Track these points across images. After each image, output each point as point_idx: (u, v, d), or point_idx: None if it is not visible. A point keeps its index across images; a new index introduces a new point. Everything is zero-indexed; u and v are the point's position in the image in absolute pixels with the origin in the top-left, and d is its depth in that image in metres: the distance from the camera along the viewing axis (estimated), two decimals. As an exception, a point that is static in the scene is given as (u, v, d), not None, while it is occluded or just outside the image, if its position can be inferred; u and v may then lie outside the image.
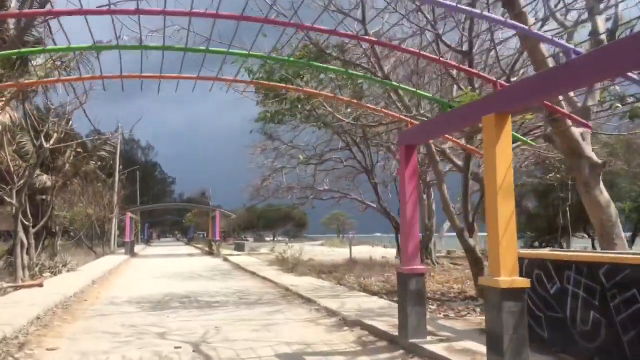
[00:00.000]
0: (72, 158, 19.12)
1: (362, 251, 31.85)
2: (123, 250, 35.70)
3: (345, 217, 65.16)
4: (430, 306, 9.69)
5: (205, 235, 75.92)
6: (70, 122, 17.72)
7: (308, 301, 10.97)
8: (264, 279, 16.59)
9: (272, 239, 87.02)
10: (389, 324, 7.74)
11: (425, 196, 20.71)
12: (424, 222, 21.27)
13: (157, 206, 48.07)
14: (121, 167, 49.48)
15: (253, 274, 18.69)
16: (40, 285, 13.64)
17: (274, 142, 21.05)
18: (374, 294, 11.78)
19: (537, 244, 29.77)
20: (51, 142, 15.93)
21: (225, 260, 27.83)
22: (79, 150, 19.83)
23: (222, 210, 34.59)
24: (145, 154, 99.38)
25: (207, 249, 38.57)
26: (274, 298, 12.17)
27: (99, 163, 19.75)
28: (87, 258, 29.80)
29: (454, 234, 13.15)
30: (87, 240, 37.11)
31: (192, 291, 13.92)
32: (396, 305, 7.68)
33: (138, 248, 44.13)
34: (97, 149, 18.90)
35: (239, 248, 32.62)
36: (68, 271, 18.55)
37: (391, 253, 37.50)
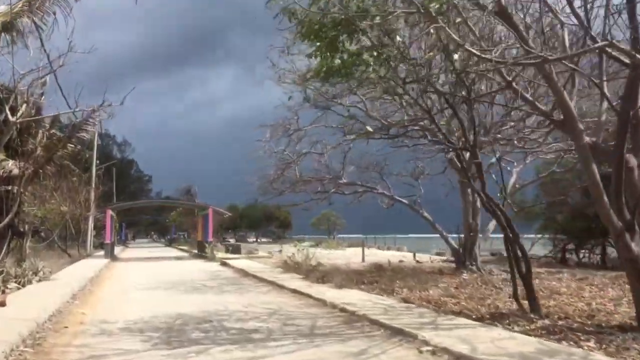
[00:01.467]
0: (45, 140, 15.40)
1: (365, 253, 28.42)
2: (101, 253, 31.72)
3: (335, 217, 61.83)
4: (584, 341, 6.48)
5: (187, 236, 71.98)
6: (43, 94, 14.07)
7: (398, 333, 7.56)
8: (295, 292, 13.14)
9: (254, 239, 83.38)
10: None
11: (469, 190, 17.47)
12: (467, 221, 18.06)
13: (141, 203, 43.93)
14: (98, 162, 45.55)
15: (272, 283, 15.22)
16: (2, 304, 9.99)
17: (324, 114, 17.35)
18: (477, 318, 8.44)
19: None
20: (18, 114, 12.23)
21: (224, 264, 24.22)
22: (53, 131, 16.10)
23: (215, 208, 30.93)
24: (121, 150, 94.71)
25: (197, 251, 34.83)
26: (336, 325, 8.71)
27: (78, 147, 15.93)
28: (60, 262, 26.07)
29: (501, 235, 10.03)
30: (60, 242, 33.13)
31: (208, 310, 10.41)
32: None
33: (116, 250, 40.13)
34: (78, 128, 15.19)
35: (235, 250, 29.02)
36: (39, 280, 14.83)
37: (397, 256, 34.39)
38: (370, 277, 15.89)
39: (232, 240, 66.48)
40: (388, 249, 51.22)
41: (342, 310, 9.82)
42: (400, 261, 25.99)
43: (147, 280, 17.43)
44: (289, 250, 42.14)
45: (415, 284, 13.86)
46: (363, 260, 26.99)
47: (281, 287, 14.45)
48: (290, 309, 10.67)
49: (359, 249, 44.80)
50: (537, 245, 24.75)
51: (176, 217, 53.97)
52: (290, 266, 20.54)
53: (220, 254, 28.19)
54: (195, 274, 19.99)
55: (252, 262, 25.34)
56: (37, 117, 13.77)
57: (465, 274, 16.93)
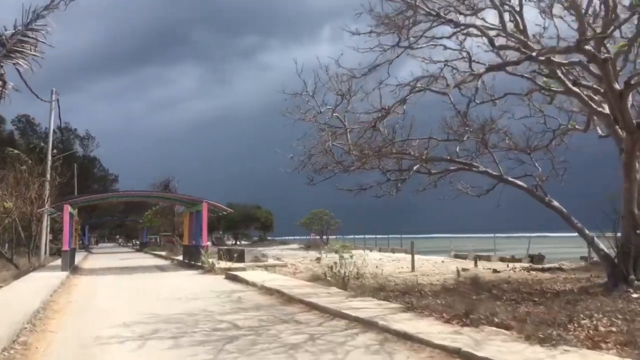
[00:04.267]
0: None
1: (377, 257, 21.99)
2: (58, 262, 24.13)
3: (329, 216, 55.06)
4: None
5: (159, 240, 63.99)
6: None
7: None
8: (429, 345, 6.47)
9: (233, 242, 76.27)
10: None
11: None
12: (632, 213, 11.68)
13: (112, 195, 35.55)
14: (55, 151, 37.89)
15: (362, 323, 8.42)
16: None
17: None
18: None
19: None
20: None
21: (234, 279, 17.22)
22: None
23: (212, 203, 23.77)
24: (84, 145, 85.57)
25: (182, 259, 27.61)
26: None
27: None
28: (3, 274, 19.03)
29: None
30: (4, 248, 25.65)
31: None
32: None
33: (77, 258, 32.52)
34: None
35: (239, 257, 21.98)
36: None
37: (433, 261, 28.01)
38: (493, 302, 9.48)
39: (208, 243, 59.01)
40: (392, 251, 44.94)
41: None
42: (465, 269, 19.62)
43: (131, 314, 10.45)
44: (301, 255, 35.55)
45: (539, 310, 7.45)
46: (413, 269, 20.46)
47: (384, 329, 7.76)
48: None
49: (372, 254, 38.43)
50: None
51: (151, 218, 46.25)
52: (334, 281, 14.00)
53: (221, 263, 21.12)
54: (202, 298, 13.03)
55: (269, 274, 18.46)
56: None
57: (636, 294, 10.80)
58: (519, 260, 30.38)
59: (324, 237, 56.32)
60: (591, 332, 7.34)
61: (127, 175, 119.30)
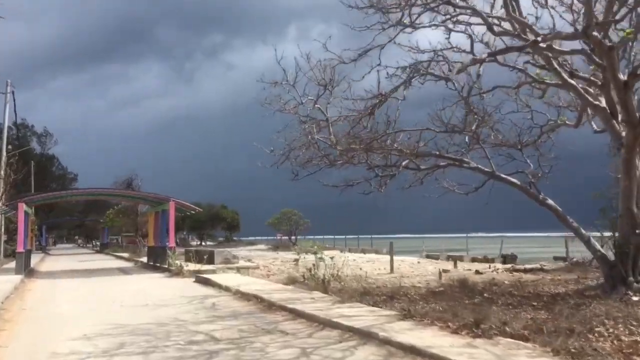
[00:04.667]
0: None
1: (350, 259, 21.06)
2: (12, 265, 22.50)
3: (298, 216, 54.11)
4: None
5: (121, 241, 61.78)
6: None
7: None
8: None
9: (198, 242, 74.48)
10: None
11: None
12: (631, 212, 11.09)
13: (72, 194, 33.42)
14: (10, 147, 35.96)
15: (357, 333, 7.50)
16: None
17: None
18: None
19: None
20: None
21: (205, 282, 16.07)
22: None
23: (180, 202, 22.46)
24: (41, 143, 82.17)
25: (147, 260, 26.21)
26: None
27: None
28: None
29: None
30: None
31: None
32: None
33: (34, 259, 30.69)
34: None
35: (210, 259, 20.76)
36: None
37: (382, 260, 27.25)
38: (489, 307, 8.73)
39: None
40: (363, 252, 44.22)
41: None
42: (445, 271, 18.94)
43: (93, 324, 9.28)
44: (273, 257, 34.43)
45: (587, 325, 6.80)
46: (392, 270, 19.69)
47: (385, 341, 6.86)
48: None
49: (331, 253, 37.52)
50: None
51: (113, 218, 44.30)
52: (313, 284, 13.14)
53: (189, 265, 19.91)
54: (172, 305, 11.91)
55: (242, 276, 17.38)
56: None
57: (636, 297, 10.23)
58: (492, 260, 30.05)
59: (293, 237, 55.37)
60: (615, 342, 6.62)
61: (87, 175, 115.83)
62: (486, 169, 12.30)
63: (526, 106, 14.50)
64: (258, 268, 20.88)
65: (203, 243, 72.53)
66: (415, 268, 21.33)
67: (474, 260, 33.06)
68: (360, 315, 8.77)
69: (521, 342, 6.51)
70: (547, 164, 14.34)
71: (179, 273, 19.00)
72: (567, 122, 14.11)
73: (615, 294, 10.68)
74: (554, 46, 9.92)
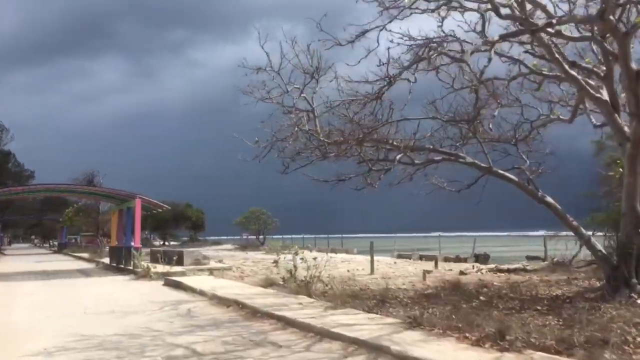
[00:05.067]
0: None
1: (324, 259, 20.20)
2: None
3: (267, 215, 52.97)
4: None
5: (80, 241, 59.33)
6: None
7: None
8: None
9: (161, 242, 72.46)
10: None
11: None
12: (635, 210, 10.52)
13: (28, 190, 31.11)
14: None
15: (365, 345, 6.58)
16: None
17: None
18: None
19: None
20: None
21: (176, 286, 14.91)
22: None
23: (146, 199, 21.06)
24: (-5, 139, 78.26)
25: (109, 262, 24.71)
26: None
27: None
28: None
29: None
30: None
31: None
32: None
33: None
34: None
35: (179, 261, 19.49)
36: None
37: (356, 259, 26.44)
38: (490, 311, 8.00)
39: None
40: (333, 251, 43.39)
41: None
42: (428, 271, 18.22)
43: (54, 336, 8.11)
44: (247, 257, 33.16)
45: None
46: (372, 271, 18.87)
47: (400, 357, 5.97)
48: None
49: (315, 255, 36.57)
50: None
51: (72, 216, 42.22)
52: (295, 287, 12.23)
53: (157, 267, 18.63)
54: (142, 311, 10.76)
55: (215, 279, 16.27)
56: None
57: (641, 301, 9.67)
58: (465, 260, 29.69)
59: (261, 236, 54.16)
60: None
61: (44, 172, 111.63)
62: (483, 165, 11.55)
63: (516, 99, 13.88)
64: (230, 269, 19.77)
65: (166, 243, 70.59)
66: (395, 268, 20.58)
67: (446, 259, 32.69)
68: (360, 323, 7.87)
69: (555, 357, 5.72)
70: (536, 160, 13.74)
71: (145, 275, 17.72)
72: (560, 117, 13.54)
73: (619, 296, 10.08)
74: (564, 32, 9.22)
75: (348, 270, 19.20)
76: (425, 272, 17.18)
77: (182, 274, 17.62)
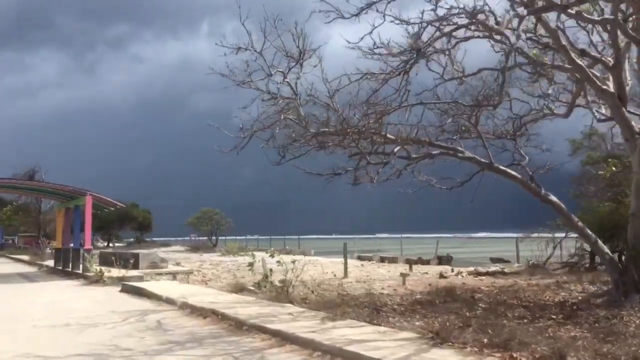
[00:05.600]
0: None
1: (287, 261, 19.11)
2: None
3: (220, 215, 51.15)
4: None
5: (17, 242, 55.67)
6: None
7: None
8: None
9: (105, 243, 69.12)
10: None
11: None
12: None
13: None
14: None
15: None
16: None
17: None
18: None
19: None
20: None
21: (137, 293, 13.34)
22: None
23: (98, 196, 19.17)
24: None
25: (54, 265, 22.62)
26: None
27: None
28: None
29: None
30: None
31: None
32: None
33: None
34: None
35: (135, 264, 17.75)
36: None
37: (321, 262, 25.40)
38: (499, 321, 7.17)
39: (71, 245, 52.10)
40: (289, 253, 42.09)
41: None
42: (404, 274, 17.31)
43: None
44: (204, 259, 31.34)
45: None
46: (346, 274, 17.80)
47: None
48: None
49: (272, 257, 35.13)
50: None
51: (10, 215, 39.15)
52: (272, 293, 11.08)
53: (112, 271, 16.89)
54: (104, 324, 9.26)
55: (180, 284, 14.81)
56: None
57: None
58: (428, 262, 29.15)
59: (213, 237, 52.23)
60: None
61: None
62: (483, 160, 10.66)
63: (505, 94, 13.10)
64: (192, 273, 18.26)
65: (110, 244, 67.40)
66: (367, 271, 19.60)
67: (408, 261, 32.12)
68: (372, 339, 6.74)
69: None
70: (530, 158, 12.99)
71: (98, 280, 16.00)
72: (555, 111, 12.86)
73: (629, 302, 9.40)
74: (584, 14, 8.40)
75: (323, 273, 18.04)
76: (404, 276, 16.26)
77: (140, 278, 16.01)
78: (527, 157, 11.56)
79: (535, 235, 21.86)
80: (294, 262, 12.22)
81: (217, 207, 53.64)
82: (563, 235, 21.02)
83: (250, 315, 8.70)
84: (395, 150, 9.77)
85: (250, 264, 12.81)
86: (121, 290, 14.10)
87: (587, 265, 19.81)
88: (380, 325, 7.81)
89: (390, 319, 8.68)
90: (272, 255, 13.52)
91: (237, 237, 52.86)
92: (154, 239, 73.89)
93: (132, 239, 72.80)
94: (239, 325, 8.32)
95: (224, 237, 53.25)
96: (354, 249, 38.65)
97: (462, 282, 14.98)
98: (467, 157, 10.70)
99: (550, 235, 21.32)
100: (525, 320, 8.54)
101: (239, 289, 13.39)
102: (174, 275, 16.46)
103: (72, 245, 20.62)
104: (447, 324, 7.57)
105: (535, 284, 14.13)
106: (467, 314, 9.14)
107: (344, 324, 7.82)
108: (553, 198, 10.63)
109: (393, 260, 32.66)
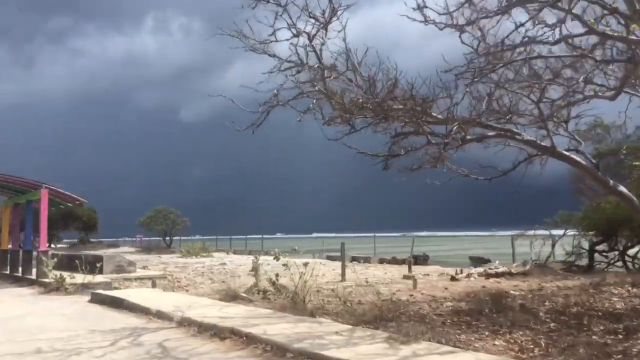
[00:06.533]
0: None
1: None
2: None
3: (175, 214, 48.30)
4: None
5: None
6: None
7: None
8: None
9: (47, 245, 64.55)
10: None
11: None
12: None
13: None
14: None
15: None
16: None
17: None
18: None
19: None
20: None
21: (121, 306, 10.92)
22: None
23: (55, 189, 16.45)
24: None
25: (3, 270, 19.69)
26: None
27: None
28: None
29: None
30: None
31: None
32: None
33: None
34: None
35: (100, 268, 15.15)
36: None
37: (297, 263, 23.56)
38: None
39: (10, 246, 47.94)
40: (252, 253, 39.81)
41: None
42: (407, 277, 15.68)
43: None
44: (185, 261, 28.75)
45: None
46: (343, 278, 15.98)
47: None
48: None
49: (239, 258, 32.94)
50: None
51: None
52: (280, 300, 9.29)
53: (76, 277, 14.37)
54: (87, 350, 7.01)
55: (163, 292, 12.55)
56: None
57: None
58: (403, 262, 27.78)
59: (167, 238, 49.32)
60: None
61: None
62: (543, 144, 9.05)
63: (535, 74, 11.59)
64: (165, 278, 15.98)
65: (52, 245, 63.00)
66: (362, 274, 17.82)
67: (382, 261, 30.87)
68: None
69: None
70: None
71: (59, 288, 13.50)
72: (599, 93, 11.41)
73: None
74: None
75: (315, 277, 16.12)
76: (413, 279, 14.60)
77: (108, 285, 13.67)
78: (582, 142, 10.04)
79: (531, 232, 20.90)
80: (305, 264, 10.31)
81: (167, 205, 50.77)
82: (561, 233, 20.14)
83: (286, 336, 6.73)
84: (453, 129, 7.99)
85: (255, 269, 10.80)
86: (91, 301, 11.71)
87: (587, 264, 18.90)
88: (467, 349, 6.03)
89: (457, 336, 6.98)
90: (276, 258, 11.58)
91: (192, 237, 50.17)
92: (101, 239, 69.87)
93: (75, 240, 68.71)
94: (280, 352, 6.31)
95: (178, 238, 50.41)
96: (322, 249, 36.88)
97: (481, 286, 13.43)
98: (526, 141, 9.07)
99: (547, 232, 20.38)
100: (619, 337, 7.03)
101: (233, 296, 11.36)
102: (153, 282, 14.10)
103: (22, 246, 17.87)
104: (541, 343, 5.90)
105: (564, 286, 12.75)
106: (543, 328, 7.58)
107: (423, 349, 5.98)
108: (622, 189, 9.14)
109: (367, 260, 31.35)
